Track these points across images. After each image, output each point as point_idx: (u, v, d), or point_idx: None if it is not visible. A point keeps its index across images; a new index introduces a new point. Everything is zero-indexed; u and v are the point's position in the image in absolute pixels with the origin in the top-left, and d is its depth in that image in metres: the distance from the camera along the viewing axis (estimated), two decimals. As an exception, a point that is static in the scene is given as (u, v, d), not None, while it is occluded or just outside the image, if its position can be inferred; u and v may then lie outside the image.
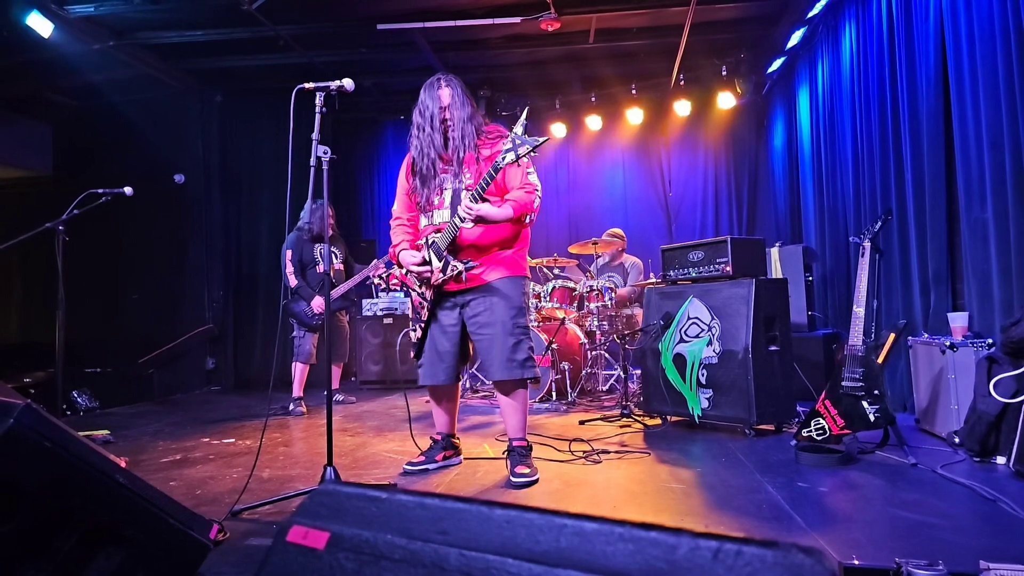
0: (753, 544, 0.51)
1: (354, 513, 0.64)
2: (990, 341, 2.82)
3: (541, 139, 2.30)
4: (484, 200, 2.43)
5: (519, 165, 2.41)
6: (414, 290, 2.71)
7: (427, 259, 2.60)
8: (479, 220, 2.43)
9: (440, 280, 2.58)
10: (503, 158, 2.32)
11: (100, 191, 3.56)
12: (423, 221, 2.69)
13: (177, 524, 1.34)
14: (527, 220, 2.59)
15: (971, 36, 3.07)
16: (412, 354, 2.80)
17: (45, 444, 1.15)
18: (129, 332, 6.04)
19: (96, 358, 5.70)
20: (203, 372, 6.22)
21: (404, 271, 2.72)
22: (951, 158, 3.39)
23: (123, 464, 1.40)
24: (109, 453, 1.35)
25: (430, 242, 2.60)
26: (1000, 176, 2.90)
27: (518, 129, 2.33)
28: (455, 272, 2.53)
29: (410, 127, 2.70)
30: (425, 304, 2.68)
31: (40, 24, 4.44)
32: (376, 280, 4.61)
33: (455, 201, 2.58)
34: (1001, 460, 2.52)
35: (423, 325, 2.71)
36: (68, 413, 4.75)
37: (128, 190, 3.57)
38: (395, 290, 5.38)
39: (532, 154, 2.32)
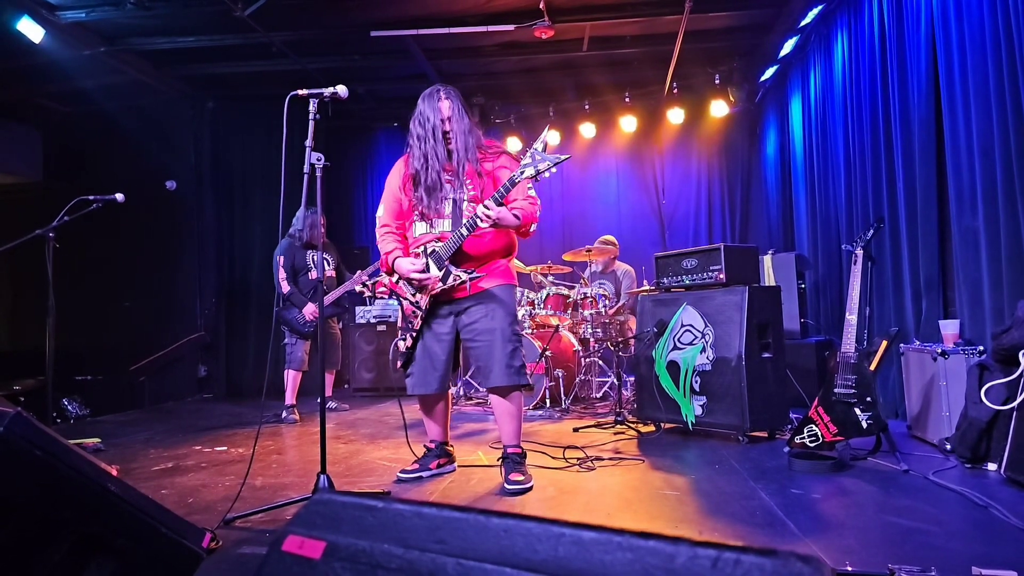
0: (752, 552, 0.51)
1: (350, 522, 0.64)
2: (981, 348, 2.85)
3: (562, 156, 2.32)
4: (502, 204, 2.43)
5: (541, 178, 2.41)
6: (406, 298, 2.68)
7: (426, 266, 2.59)
8: (494, 224, 2.43)
9: (439, 289, 2.57)
10: (521, 172, 2.34)
11: (91, 198, 3.54)
12: (422, 228, 2.65)
13: (169, 533, 1.33)
14: (531, 230, 2.60)
15: (962, 45, 3.10)
16: (399, 364, 2.77)
17: (36, 452, 1.14)
18: (120, 339, 5.99)
19: (87, 366, 5.66)
20: (195, 380, 6.18)
21: (395, 279, 2.70)
22: (942, 166, 3.42)
23: (114, 472, 1.39)
24: (100, 461, 1.34)
25: (430, 251, 2.59)
26: (991, 184, 2.93)
27: (538, 145, 2.35)
28: (457, 282, 2.52)
29: (407, 136, 2.68)
30: (418, 313, 2.66)
31: (31, 29, 4.42)
32: (359, 288, 4.57)
33: (456, 212, 2.57)
34: (992, 466, 2.54)
35: (414, 334, 2.70)
36: (58, 421, 4.71)
37: (119, 197, 3.55)
38: (381, 298, 5.35)
39: (552, 171, 2.32)
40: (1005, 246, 2.83)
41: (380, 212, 2.76)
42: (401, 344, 2.75)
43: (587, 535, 0.55)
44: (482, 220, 2.40)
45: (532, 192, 2.60)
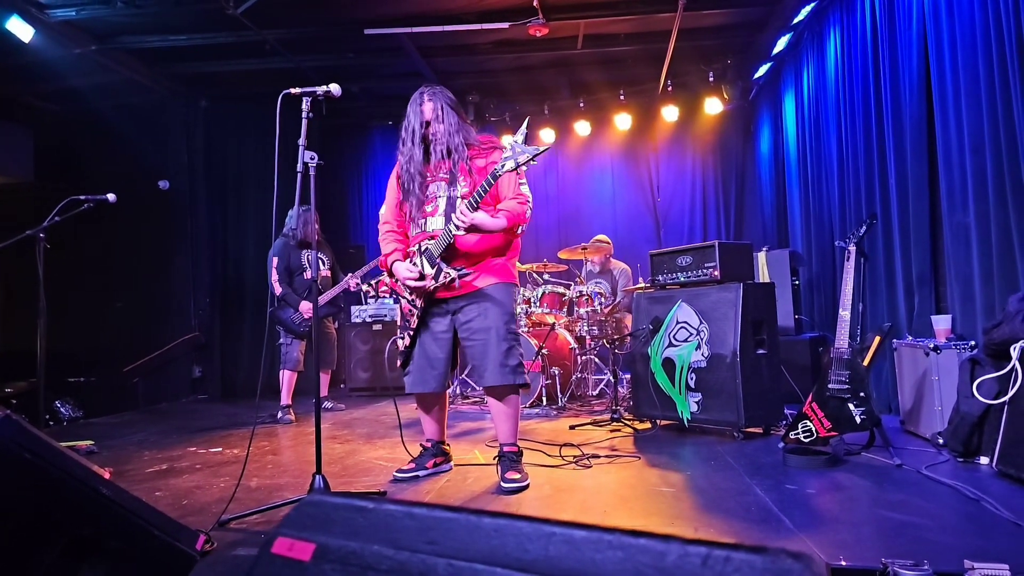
0: (742, 550, 0.51)
1: (341, 524, 0.63)
2: (973, 343, 2.86)
3: (542, 148, 2.32)
4: (478, 208, 2.43)
5: (518, 173, 2.42)
6: (404, 297, 2.69)
7: (420, 267, 2.59)
8: (472, 229, 2.44)
9: (432, 287, 2.57)
10: (502, 165, 2.33)
11: (82, 197, 3.52)
12: (415, 229, 2.67)
13: (162, 535, 1.32)
14: (519, 231, 2.61)
15: (953, 42, 3.12)
16: (399, 362, 2.77)
17: (26, 456, 1.13)
18: (113, 340, 5.95)
19: (79, 367, 5.62)
20: (189, 380, 6.15)
21: (395, 279, 2.71)
22: (934, 163, 3.44)
23: (107, 475, 1.38)
24: (93, 464, 1.33)
25: (423, 248, 2.59)
26: (981, 180, 2.94)
27: (519, 138, 2.34)
28: (448, 279, 2.52)
29: (399, 136, 2.70)
30: (415, 311, 2.66)
31: (20, 28, 4.38)
32: (365, 287, 4.58)
33: (449, 209, 2.57)
34: (984, 460, 2.55)
35: (412, 333, 2.70)
36: (51, 423, 4.68)
37: (111, 197, 3.53)
38: (384, 297, 5.35)
39: (532, 163, 2.32)
40: (995, 242, 2.85)
41: (382, 210, 2.80)
42: (400, 343, 2.75)
43: (578, 534, 0.55)
44: (457, 227, 2.42)
45: (524, 189, 2.60)
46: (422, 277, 2.57)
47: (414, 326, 2.68)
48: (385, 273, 2.78)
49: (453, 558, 0.57)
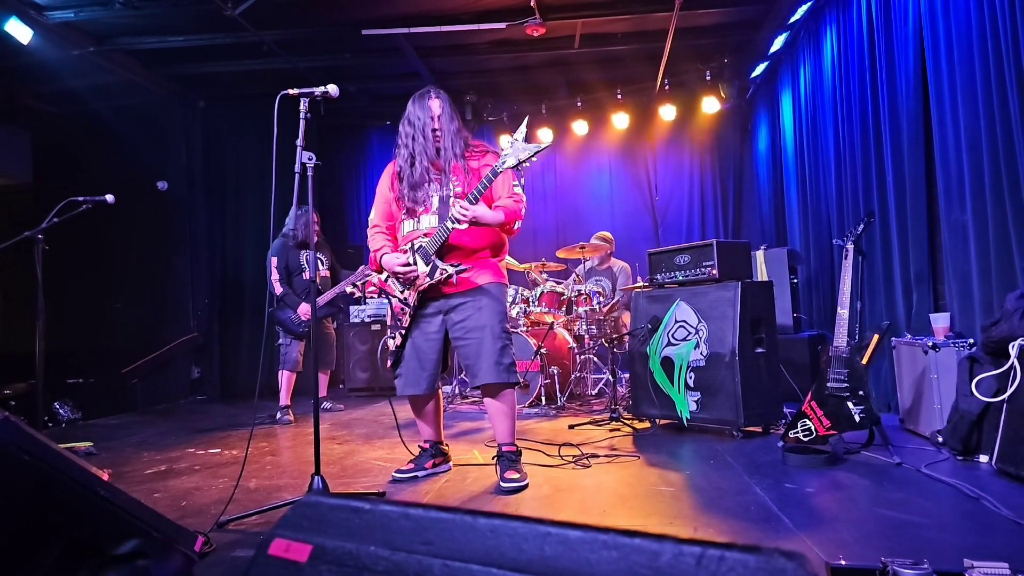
0: (736, 549, 0.51)
1: (337, 525, 0.64)
2: (971, 341, 2.86)
3: (542, 145, 2.34)
4: (478, 203, 2.47)
5: (517, 171, 2.45)
6: (395, 296, 2.69)
7: (412, 262, 2.60)
8: (473, 222, 2.46)
9: (427, 284, 2.57)
10: (503, 162, 2.37)
11: (81, 199, 3.51)
12: (409, 226, 2.67)
13: (160, 537, 1.32)
14: (515, 227, 2.63)
15: (949, 40, 3.12)
16: (389, 363, 2.77)
17: (24, 457, 1.13)
18: (112, 342, 5.95)
19: (78, 368, 5.61)
20: (188, 381, 6.15)
21: (384, 277, 2.71)
22: (931, 160, 3.44)
23: (106, 476, 1.38)
24: (91, 465, 1.33)
25: (416, 246, 2.60)
26: (978, 178, 2.95)
27: (519, 136, 2.37)
28: (444, 276, 2.53)
29: (397, 136, 2.71)
30: (407, 310, 2.66)
31: (19, 30, 4.39)
32: (349, 288, 4.56)
33: (442, 207, 2.58)
34: (984, 458, 2.55)
35: (403, 332, 2.69)
36: (50, 425, 4.68)
37: (110, 198, 3.53)
38: (371, 297, 5.33)
39: (533, 160, 2.35)
40: (993, 239, 2.85)
41: (371, 215, 2.82)
42: (390, 343, 2.74)
43: (573, 534, 0.55)
44: (458, 221, 2.44)
45: (518, 189, 2.64)
46: (409, 265, 2.58)
47: (406, 325, 2.67)
48: (373, 272, 2.78)
49: (449, 558, 0.57)
